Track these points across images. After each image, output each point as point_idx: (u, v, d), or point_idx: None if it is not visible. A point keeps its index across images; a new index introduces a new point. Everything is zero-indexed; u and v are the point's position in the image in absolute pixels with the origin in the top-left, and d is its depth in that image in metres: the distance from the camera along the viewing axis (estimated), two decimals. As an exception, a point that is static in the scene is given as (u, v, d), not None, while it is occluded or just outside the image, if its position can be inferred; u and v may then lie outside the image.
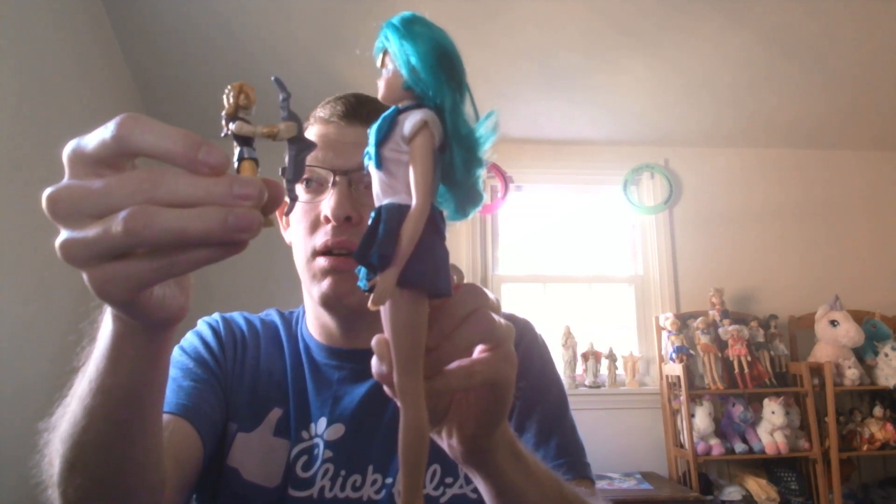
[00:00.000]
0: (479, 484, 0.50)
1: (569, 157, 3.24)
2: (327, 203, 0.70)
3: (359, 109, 0.75)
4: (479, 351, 0.40)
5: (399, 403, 0.35)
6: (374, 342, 0.36)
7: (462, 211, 0.38)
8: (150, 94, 2.77)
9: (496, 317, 0.40)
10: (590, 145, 3.26)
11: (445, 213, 0.37)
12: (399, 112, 0.34)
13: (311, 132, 0.76)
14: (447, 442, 0.46)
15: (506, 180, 3.12)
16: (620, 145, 3.26)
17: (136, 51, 2.60)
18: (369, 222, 0.34)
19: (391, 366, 0.35)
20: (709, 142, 3.29)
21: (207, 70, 2.66)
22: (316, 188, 0.73)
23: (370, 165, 0.35)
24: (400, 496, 0.35)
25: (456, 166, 0.35)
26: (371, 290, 0.33)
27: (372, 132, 0.35)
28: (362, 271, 0.35)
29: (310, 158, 0.72)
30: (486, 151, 0.36)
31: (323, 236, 0.71)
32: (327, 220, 0.70)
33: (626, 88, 2.92)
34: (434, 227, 0.34)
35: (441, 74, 0.33)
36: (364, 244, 0.33)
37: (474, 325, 0.38)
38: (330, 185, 0.71)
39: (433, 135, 0.33)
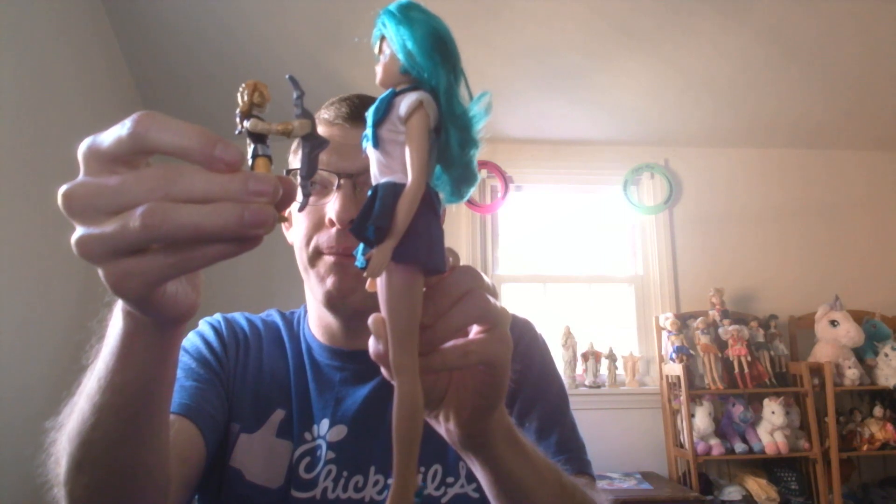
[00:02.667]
0: (478, 471, 0.50)
1: (569, 157, 3.24)
2: (332, 206, 0.70)
3: (363, 111, 0.75)
4: (474, 332, 0.40)
5: (394, 379, 0.36)
6: (370, 320, 0.37)
7: (458, 192, 0.38)
8: (149, 93, 2.77)
9: (491, 299, 0.40)
10: (590, 145, 3.26)
11: (442, 195, 0.38)
12: (396, 94, 0.35)
13: None
14: (444, 426, 0.46)
15: (506, 180, 3.12)
16: (620, 145, 3.26)
17: (135, 51, 2.60)
18: (367, 198, 0.35)
19: (387, 344, 0.36)
20: (709, 142, 3.29)
21: (207, 70, 2.66)
22: (320, 191, 0.73)
23: (367, 146, 0.36)
24: (393, 474, 0.35)
25: (451, 146, 0.35)
26: (367, 266, 0.34)
27: (369, 114, 0.35)
28: (359, 251, 0.35)
29: None
30: (480, 131, 0.37)
31: (328, 239, 0.71)
32: (332, 223, 0.70)
33: (626, 88, 2.92)
34: (429, 206, 0.35)
35: (436, 57, 0.34)
36: (360, 219, 0.34)
37: (469, 305, 0.38)
38: (334, 188, 0.71)
39: (428, 115, 0.34)
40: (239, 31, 2.52)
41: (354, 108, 0.75)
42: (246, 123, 0.35)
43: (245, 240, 0.32)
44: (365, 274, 0.34)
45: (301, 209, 0.38)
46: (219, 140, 0.32)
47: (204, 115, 2.66)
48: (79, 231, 0.32)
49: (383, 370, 0.38)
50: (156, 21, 2.48)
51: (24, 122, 1.96)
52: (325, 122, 0.76)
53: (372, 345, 0.37)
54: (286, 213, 0.84)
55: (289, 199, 0.34)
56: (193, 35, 2.54)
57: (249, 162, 0.35)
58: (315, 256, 0.72)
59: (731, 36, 2.62)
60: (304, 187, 0.37)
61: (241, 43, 2.55)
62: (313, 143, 0.37)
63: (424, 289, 0.37)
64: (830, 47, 2.69)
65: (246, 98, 0.35)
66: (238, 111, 0.36)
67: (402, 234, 0.33)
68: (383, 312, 0.36)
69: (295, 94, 0.38)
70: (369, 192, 0.35)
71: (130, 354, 0.40)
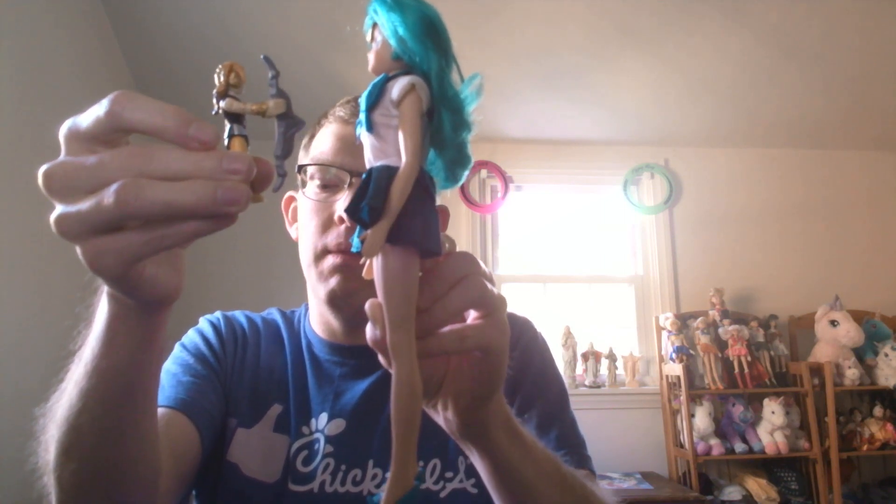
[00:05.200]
0: (476, 461, 0.50)
1: (569, 157, 3.24)
2: (342, 203, 0.70)
3: None
4: (471, 318, 0.40)
5: (392, 361, 0.36)
6: (367, 306, 0.37)
7: (453, 175, 0.39)
8: (147, 94, 2.77)
9: (489, 285, 0.40)
10: (590, 145, 3.26)
11: (437, 180, 0.38)
12: (388, 79, 0.35)
13: (329, 130, 0.76)
14: (442, 415, 0.46)
15: (506, 180, 3.12)
16: (620, 145, 3.26)
17: (135, 51, 2.60)
18: (361, 181, 0.35)
19: (384, 329, 0.36)
20: (709, 142, 3.29)
21: (206, 70, 2.65)
22: (331, 188, 0.73)
23: (361, 131, 0.36)
24: (392, 458, 0.35)
25: (444, 128, 0.36)
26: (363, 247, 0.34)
27: (362, 98, 0.36)
28: (355, 235, 0.36)
29: (327, 158, 0.73)
30: (472, 113, 0.37)
31: (336, 237, 0.71)
32: (341, 221, 0.70)
33: (626, 88, 2.92)
34: (424, 189, 0.35)
35: (428, 42, 0.34)
36: (354, 201, 0.34)
37: (466, 290, 0.39)
38: (346, 185, 0.71)
39: (420, 98, 0.34)
40: (238, 31, 2.52)
41: None
42: (221, 103, 0.36)
43: (219, 217, 0.32)
44: (363, 259, 0.35)
45: (276, 190, 0.38)
46: (194, 119, 0.32)
47: (202, 114, 2.65)
48: (57, 209, 0.32)
49: (381, 357, 0.38)
50: (155, 20, 2.48)
51: (23, 120, 1.97)
52: (339, 119, 0.76)
53: (369, 330, 0.37)
54: (287, 212, 0.84)
55: (265, 179, 0.34)
56: (193, 35, 2.54)
57: (226, 142, 0.36)
58: (321, 254, 0.73)
59: (732, 36, 2.63)
60: (279, 167, 0.37)
61: (241, 43, 2.56)
62: (288, 123, 0.38)
63: (420, 273, 0.37)
64: (830, 47, 2.69)
65: (222, 79, 0.36)
66: (214, 92, 0.36)
67: (396, 215, 0.33)
68: (379, 295, 0.36)
69: (270, 74, 0.38)
70: (363, 176, 0.35)
71: (115, 339, 0.40)
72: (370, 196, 0.33)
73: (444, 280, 0.38)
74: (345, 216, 0.69)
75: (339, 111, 0.77)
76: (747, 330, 2.87)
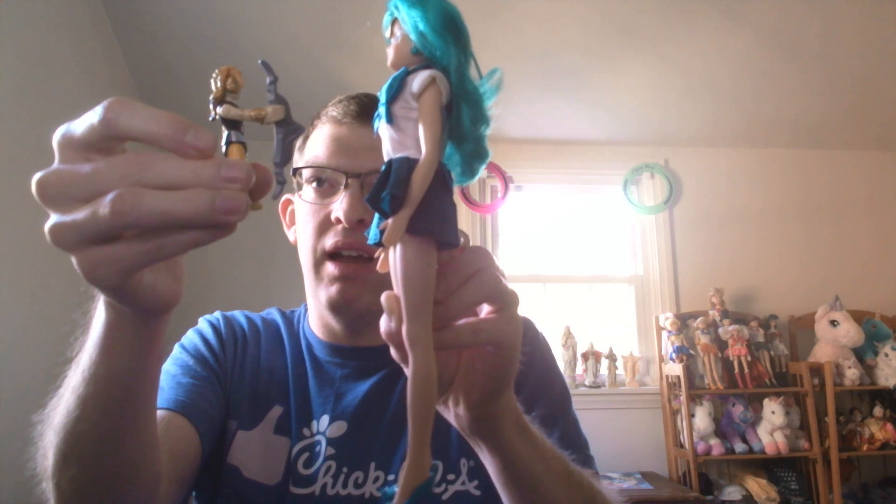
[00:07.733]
0: (486, 457, 0.49)
1: (569, 157, 3.24)
2: (339, 205, 0.70)
3: (372, 110, 0.74)
4: (485, 312, 0.41)
5: (408, 351, 0.36)
6: (383, 297, 0.37)
7: (470, 169, 0.38)
8: (148, 94, 2.77)
9: (503, 280, 0.40)
10: (590, 145, 3.26)
11: (454, 174, 0.38)
12: (408, 73, 0.35)
13: (323, 131, 0.75)
14: (453, 411, 0.46)
15: (506, 180, 3.11)
16: (620, 145, 3.26)
17: (136, 53, 2.60)
18: (381, 172, 0.35)
19: (400, 321, 0.36)
20: (709, 142, 3.29)
21: (206, 71, 2.65)
22: (327, 190, 0.73)
23: (381, 124, 0.36)
24: (408, 450, 0.35)
25: (463, 122, 0.36)
26: (380, 244, 0.35)
27: (382, 91, 0.36)
28: (373, 225, 0.35)
29: (322, 160, 0.72)
30: (491, 107, 0.37)
31: (333, 237, 0.71)
32: (338, 222, 0.70)
33: (626, 88, 2.92)
34: (442, 181, 0.35)
35: (448, 37, 0.35)
36: (375, 190, 0.34)
37: (481, 283, 0.39)
38: (342, 187, 0.71)
39: (440, 91, 0.34)
40: (238, 31, 2.52)
41: (363, 107, 0.74)
42: (218, 109, 0.35)
43: (217, 226, 0.32)
44: (382, 244, 0.35)
45: (275, 197, 0.38)
46: (191, 126, 0.31)
47: (203, 115, 2.65)
48: (52, 219, 0.32)
49: (393, 351, 0.38)
50: (156, 22, 2.48)
51: (23, 123, 1.96)
52: (333, 119, 0.75)
53: (384, 323, 0.37)
54: (284, 216, 0.84)
55: (264, 186, 0.34)
56: (194, 36, 2.54)
57: (223, 149, 0.35)
58: (321, 259, 0.72)
59: (732, 36, 2.62)
60: (278, 174, 0.36)
61: (242, 44, 2.55)
62: (287, 129, 0.37)
63: (436, 266, 0.37)
64: (831, 47, 2.69)
65: (219, 84, 0.35)
66: (211, 97, 0.35)
67: (416, 205, 0.33)
68: (397, 286, 0.36)
69: (268, 80, 0.38)
70: (382, 167, 0.35)
71: (113, 345, 0.40)
72: (391, 185, 0.33)
73: (460, 273, 0.38)
74: (342, 218, 0.69)
75: (332, 111, 0.76)
76: (747, 330, 2.87)
